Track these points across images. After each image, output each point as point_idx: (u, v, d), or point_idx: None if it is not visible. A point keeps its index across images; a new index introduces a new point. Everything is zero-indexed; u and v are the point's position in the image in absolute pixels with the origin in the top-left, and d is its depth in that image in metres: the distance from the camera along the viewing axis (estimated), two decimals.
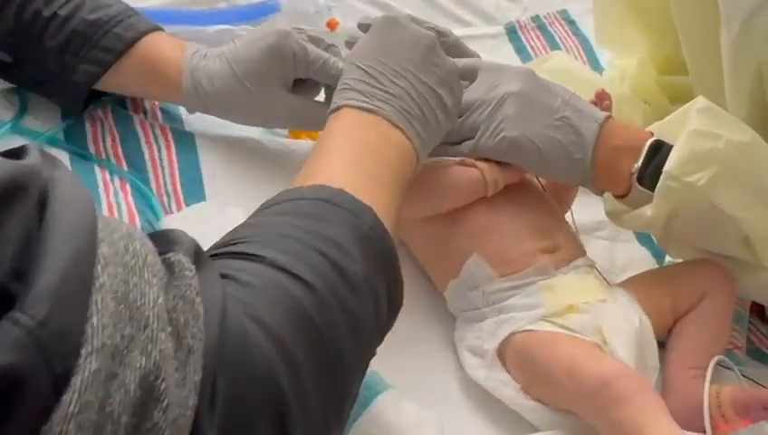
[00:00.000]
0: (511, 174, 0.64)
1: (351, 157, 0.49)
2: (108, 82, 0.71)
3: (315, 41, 0.69)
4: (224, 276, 0.37)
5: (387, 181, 0.49)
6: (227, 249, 0.40)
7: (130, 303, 0.31)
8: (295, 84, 0.70)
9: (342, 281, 0.40)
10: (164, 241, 0.36)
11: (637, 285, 0.64)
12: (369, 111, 0.52)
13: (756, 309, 0.72)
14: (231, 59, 0.68)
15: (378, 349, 0.60)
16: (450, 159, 0.64)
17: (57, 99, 0.73)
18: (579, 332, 0.57)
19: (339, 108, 0.53)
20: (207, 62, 0.69)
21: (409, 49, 0.55)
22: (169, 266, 0.35)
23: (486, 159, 0.63)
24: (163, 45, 0.71)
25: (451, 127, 0.59)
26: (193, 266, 0.35)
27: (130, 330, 0.30)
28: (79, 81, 0.69)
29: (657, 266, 0.79)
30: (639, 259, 0.79)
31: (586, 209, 0.73)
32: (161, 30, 0.73)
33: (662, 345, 0.62)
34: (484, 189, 0.63)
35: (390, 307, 0.46)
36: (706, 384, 0.57)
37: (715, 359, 0.59)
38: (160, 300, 0.32)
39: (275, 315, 0.36)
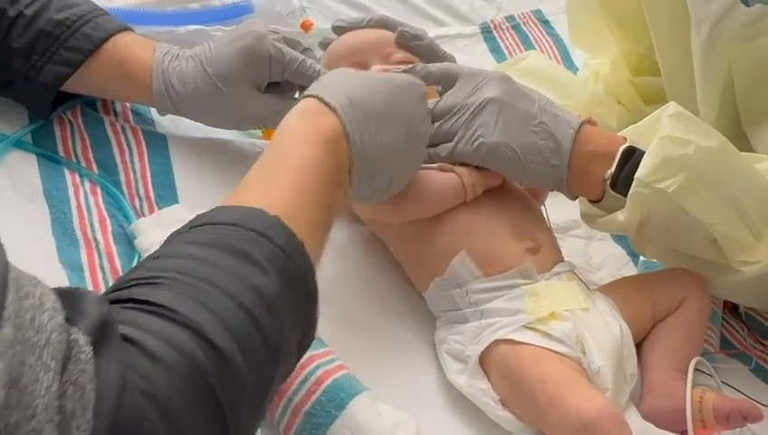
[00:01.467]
0: (490, 178, 0.64)
1: (298, 171, 0.48)
2: (76, 83, 0.69)
3: (291, 43, 0.69)
4: (128, 340, 0.35)
5: (326, 201, 0.49)
6: (142, 293, 0.38)
7: (22, 387, 0.29)
8: (268, 87, 0.69)
9: (261, 342, 0.39)
10: (73, 307, 0.34)
11: (617, 290, 0.65)
12: (329, 108, 0.52)
13: (729, 305, 0.74)
14: (204, 60, 0.68)
15: (355, 349, 0.61)
16: (428, 165, 0.63)
17: (24, 100, 0.71)
18: (561, 339, 0.57)
19: (306, 96, 0.53)
20: (179, 63, 0.68)
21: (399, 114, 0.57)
22: (68, 344, 0.33)
23: (464, 164, 0.63)
24: (133, 45, 0.70)
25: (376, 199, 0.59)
26: (90, 349, 0.33)
27: (17, 416, 0.29)
28: (46, 81, 0.68)
29: (631, 264, 0.80)
30: (614, 257, 0.80)
31: (561, 209, 0.73)
32: (130, 30, 0.72)
33: (638, 346, 0.63)
34: (464, 195, 0.63)
35: (299, 352, 0.46)
36: (688, 388, 0.57)
37: (695, 361, 0.60)
38: (53, 387, 0.30)
39: (178, 393, 0.35)
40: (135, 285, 0.39)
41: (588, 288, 0.64)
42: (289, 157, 0.49)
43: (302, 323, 0.44)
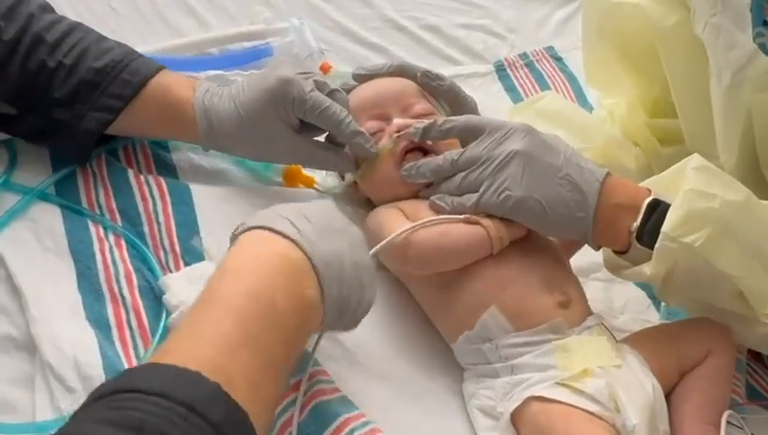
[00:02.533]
0: (515, 230, 0.64)
1: (248, 325, 0.42)
2: (120, 127, 0.71)
3: (320, 85, 0.70)
4: None
5: (278, 360, 0.44)
6: None
7: None
8: (304, 123, 0.70)
9: None
10: None
11: (643, 343, 0.65)
12: (296, 244, 0.47)
13: (753, 351, 0.73)
14: (237, 102, 0.70)
15: (384, 403, 0.60)
16: (454, 217, 0.64)
17: (65, 148, 0.72)
18: (594, 397, 0.57)
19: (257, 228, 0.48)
20: (219, 103, 0.70)
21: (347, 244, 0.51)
22: None
23: (490, 215, 0.63)
24: (174, 86, 0.71)
25: (343, 329, 0.54)
26: None
27: None
28: (89, 127, 0.69)
29: (653, 307, 0.79)
30: (636, 300, 0.80)
31: (581, 252, 0.73)
32: (165, 68, 0.72)
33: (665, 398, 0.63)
34: (490, 248, 0.63)
35: None
36: None
37: (726, 414, 0.60)
38: None
39: None
40: None
41: (615, 340, 0.64)
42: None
43: None
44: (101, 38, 0.72)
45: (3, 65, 0.67)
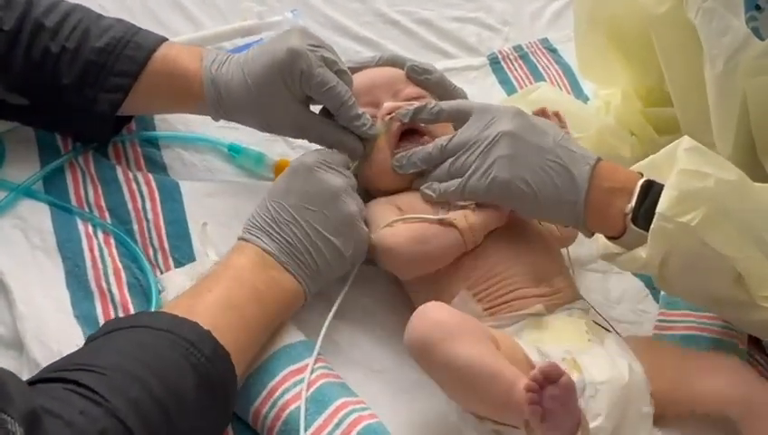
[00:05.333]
0: (491, 220, 0.63)
1: (234, 298, 0.57)
2: (131, 105, 0.71)
3: (328, 62, 0.68)
4: (60, 418, 0.42)
5: (259, 325, 0.58)
6: (78, 377, 0.46)
7: None
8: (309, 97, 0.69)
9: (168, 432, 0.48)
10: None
11: (645, 357, 0.61)
12: (267, 252, 0.60)
13: (753, 338, 0.72)
14: (246, 69, 0.69)
15: (380, 397, 0.60)
16: (429, 217, 0.63)
17: (83, 132, 0.72)
18: (546, 353, 0.56)
19: (245, 240, 0.61)
20: (227, 71, 0.69)
21: (312, 198, 0.62)
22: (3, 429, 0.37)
23: (464, 207, 0.63)
24: (180, 58, 0.71)
25: (348, 268, 0.65)
26: None
27: None
28: (103, 110, 0.69)
29: (650, 297, 0.78)
30: (633, 291, 0.79)
31: (579, 242, 0.72)
32: (167, 40, 0.72)
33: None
34: (464, 247, 0.63)
35: None
36: None
37: None
38: None
39: None
40: (80, 370, 0.47)
41: (610, 325, 0.63)
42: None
43: (214, 426, 0.53)
44: (100, 17, 0.72)
45: (6, 55, 0.67)
